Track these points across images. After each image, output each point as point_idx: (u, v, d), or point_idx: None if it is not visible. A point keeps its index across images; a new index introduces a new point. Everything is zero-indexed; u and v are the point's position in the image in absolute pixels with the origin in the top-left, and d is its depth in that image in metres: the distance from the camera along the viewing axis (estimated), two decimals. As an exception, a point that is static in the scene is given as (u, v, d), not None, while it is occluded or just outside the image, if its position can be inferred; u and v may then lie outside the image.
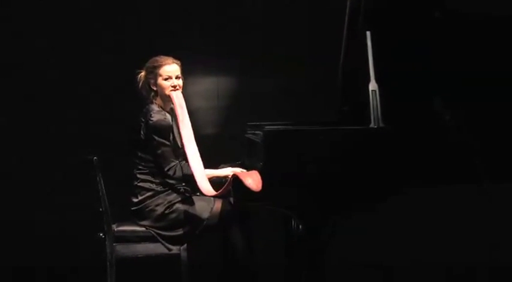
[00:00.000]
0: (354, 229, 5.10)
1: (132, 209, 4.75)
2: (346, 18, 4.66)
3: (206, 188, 4.57)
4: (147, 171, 4.73)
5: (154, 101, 4.78)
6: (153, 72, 4.76)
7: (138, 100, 4.90)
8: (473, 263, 5.92)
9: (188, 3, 6.32)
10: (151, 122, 4.65)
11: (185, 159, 4.69)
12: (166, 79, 4.73)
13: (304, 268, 4.38)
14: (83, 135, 6.24)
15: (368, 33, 4.42)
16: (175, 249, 4.72)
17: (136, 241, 4.73)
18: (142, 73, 4.84)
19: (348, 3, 4.62)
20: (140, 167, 4.75)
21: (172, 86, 4.73)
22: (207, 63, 6.25)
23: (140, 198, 4.73)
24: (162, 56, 4.80)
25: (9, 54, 6.36)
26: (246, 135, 5.04)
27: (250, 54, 6.33)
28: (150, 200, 4.71)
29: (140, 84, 4.83)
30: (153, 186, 4.73)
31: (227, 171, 4.73)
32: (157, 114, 4.68)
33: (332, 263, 4.47)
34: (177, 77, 4.75)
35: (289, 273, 4.91)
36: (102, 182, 4.70)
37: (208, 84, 6.33)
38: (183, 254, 4.72)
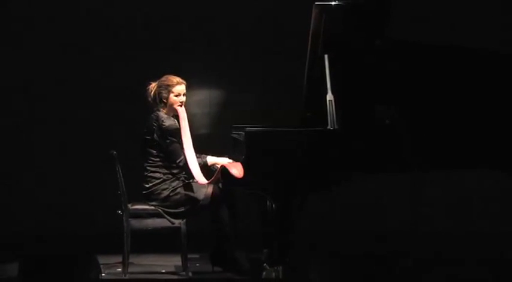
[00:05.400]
0: (316, 205, 5.49)
1: (144, 192, 5.27)
2: (309, 45, 5.08)
3: (202, 181, 5.13)
4: (156, 164, 5.24)
5: (161, 109, 5.27)
6: (167, 89, 5.24)
7: (148, 108, 5.37)
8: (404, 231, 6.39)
9: (191, 33, 6.92)
10: (164, 126, 5.17)
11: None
12: (176, 96, 5.26)
13: (275, 235, 4.89)
14: (107, 134, 6.74)
15: (326, 56, 4.95)
16: (177, 223, 5.24)
17: (147, 217, 5.23)
18: (154, 86, 5.30)
19: (310, 32, 5.04)
20: (150, 161, 5.25)
21: (180, 102, 5.27)
22: (202, 79, 6.75)
23: (150, 184, 5.25)
24: (174, 76, 5.30)
25: (44, 60, 6.83)
26: (232, 135, 5.52)
27: (235, 72, 6.89)
28: (158, 186, 5.24)
29: (152, 94, 5.29)
30: (160, 175, 5.25)
31: (224, 160, 5.26)
32: (168, 120, 5.20)
33: (300, 231, 4.98)
34: (183, 95, 5.29)
35: (265, 240, 5.22)
36: (120, 171, 5.24)
37: (202, 95, 6.87)
38: (183, 227, 5.23)
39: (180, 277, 5.33)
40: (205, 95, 6.69)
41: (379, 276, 4.49)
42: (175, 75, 5.37)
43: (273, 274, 4.93)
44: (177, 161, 5.24)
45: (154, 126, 5.25)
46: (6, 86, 6.92)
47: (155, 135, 5.24)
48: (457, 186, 6.74)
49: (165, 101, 5.30)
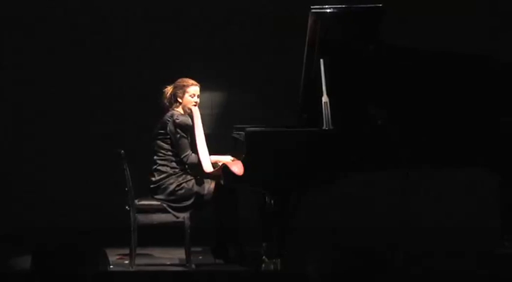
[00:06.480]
0: (314, 202, 5.67)
1: (151, 186, 5.38)
2: (305, 50, 5.22)
3: (209, 169, 5.20)
4: (165, 158, 5.38)
5: (176, 108, 5.45)
6: (182, 89, 5.44)
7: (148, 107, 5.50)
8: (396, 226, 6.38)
9: (191, 33, 6.98)
10: (177, 121, 5.35)
11: (195, 152, 5.33)
12: (191, 96, 5.46)
13: (274, 229, 5.00)
14: (107, 134, 6.85)
15: (321, 60, 5.06)
16: (181, 217, 5.35)
17: (153, 212, 5.34)
18: (170, 88, 5.48)
19: (307, 38, 5.15)
20: (160, 154, 5.39)
21: (194, 102, 5.47)
22: (204, 82, 6.37)
23: (157, 178, 5.37)
24: (189, 79, 5.51)
25: (53, 61, 6.86)
26: (233, 135, 5.66)
27: (235, 72, 7.01)
28: (165, 180, 5.37)
29: (168, 95, 5.48)
30: (168, 169, 5.38)
31: (226, 158, 5.38)
32: (182, 116, 5.39)
33: (297, 226, 5.10)
34: (197, 96, 5.49)
35: (264, 234, 5.34)
36: (128, 169, 5.35)
37: (204, 97, 6.45)
38: (187, 221, 5.34)
39: (183, 269, 5.41)
40: (206, 96, 6.66)
41: (372, 271, 4.66)
42: (179, 77, 5.56)
43: (272, 266, 5.01)
44: (182, 156, 5.39)
45: (169, 121, 5.42)
46: (7, 85, 6.95)
47: (168, 128, 5.40)
48: (449, 183, 6.76)
49: (180, 100, 5.49)
